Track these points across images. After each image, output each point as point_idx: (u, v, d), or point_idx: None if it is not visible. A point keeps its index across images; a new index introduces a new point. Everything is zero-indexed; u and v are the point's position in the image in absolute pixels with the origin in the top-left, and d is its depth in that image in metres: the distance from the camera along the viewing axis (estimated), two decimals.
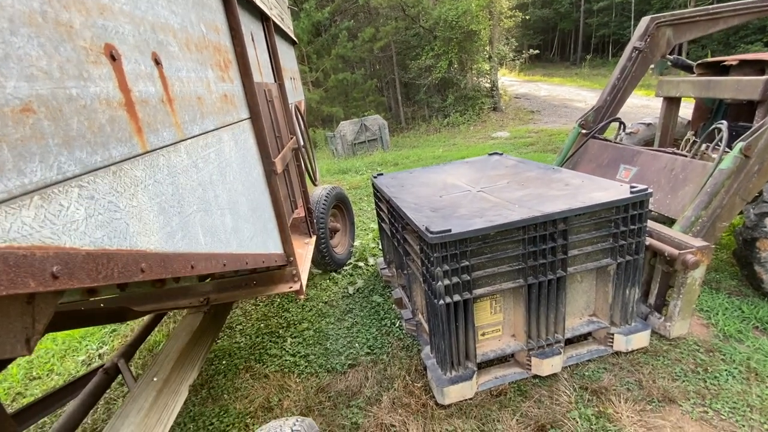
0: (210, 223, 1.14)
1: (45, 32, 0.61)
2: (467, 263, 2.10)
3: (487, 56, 14.22)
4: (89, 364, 3.08)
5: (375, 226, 5.09)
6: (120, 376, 2.09)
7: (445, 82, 14.19)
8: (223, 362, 2.85)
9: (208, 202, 1.15)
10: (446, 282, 2.08)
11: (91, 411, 2.15)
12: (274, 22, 2.65)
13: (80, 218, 0.64)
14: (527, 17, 15.15)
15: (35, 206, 0.56)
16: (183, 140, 1.05)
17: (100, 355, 3.16)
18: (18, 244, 0.52)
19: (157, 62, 0.97)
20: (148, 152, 0.87)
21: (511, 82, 21.61)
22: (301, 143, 3.00)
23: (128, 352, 2.22)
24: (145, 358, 3.04)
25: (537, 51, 18.51)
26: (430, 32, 13.64)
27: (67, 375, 2.98)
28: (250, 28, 2.11)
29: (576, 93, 17.44)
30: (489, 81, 14.76)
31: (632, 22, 24.29)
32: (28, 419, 1.80)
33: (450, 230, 2.01)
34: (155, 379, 1.56)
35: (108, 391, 2.20)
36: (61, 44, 0.65)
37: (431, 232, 2.01)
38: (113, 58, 0.79)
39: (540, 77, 24.41)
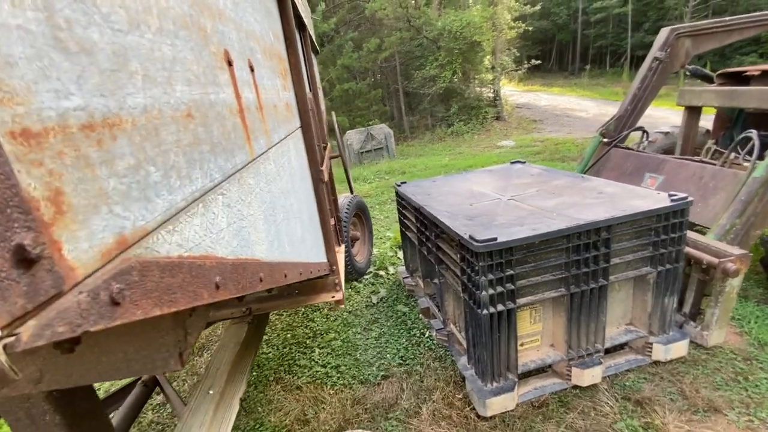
0: (289, 231, 1.12)
1: (193, 36, 0.60)
2: (512, 272, 2.08)
3: (490, 66, 14.36)
4: None
5: (390, 234, 5.07)
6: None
7: (449, 92, 14.29)
8: (254, 374, 2.79)
9: (288, 210, 1.13)
10: (491, 291, 2.06)
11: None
12: (309, 32, 2.66)
13: (224, 227, 0.62)
14: (529, 28, 15.34)
15: (200, 214, 0.54)
16: (270, 148, 1.03)
17: None
18: (194, 254, 0.50)
19: (252, 69, 0.96)
20: (254, 160, 0.85)
21: (511, 91, 21.80)
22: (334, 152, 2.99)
23: None
24: None
25: (539, 61, 18.72)
26: (434, 43, 13.77)
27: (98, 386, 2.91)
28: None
29: (576, 103, 17.61)
30: (492, 91, 14.89)
31: (629, 33, 24.68)
32: None
33: (496, 239, 2.00)
34: (211, 391, 1.53)
35: None
36: (203, 48, 0.63)
37: (477, 241, 1.99)
38: (230, 63, 0.77)
39: (539, 87, 24.66)
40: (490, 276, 2.04)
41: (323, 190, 1.89)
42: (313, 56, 3.61)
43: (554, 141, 10.46)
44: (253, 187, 0.81)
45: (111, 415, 1.90)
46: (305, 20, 2.39)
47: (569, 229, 2.07)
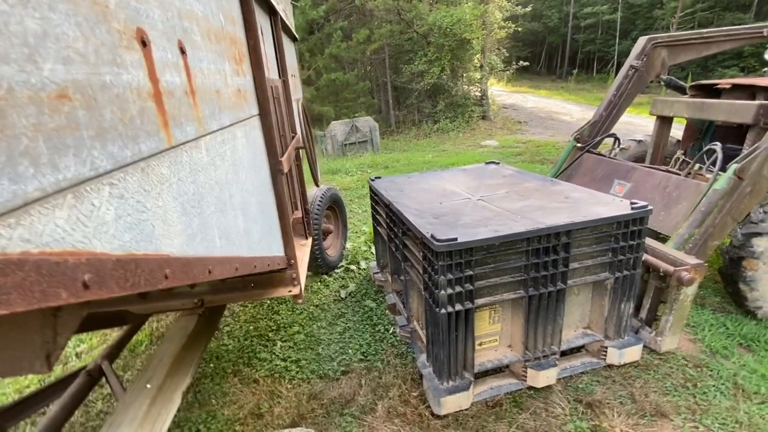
0: (225, 225, 1.08)
1: (82, 10, 0.55)
2: (471, 273, 2.08)
3: (478, 65, 14.38)
4: (65, 363, 2.92)
5: (367, 228, 5.04)
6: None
7: (437, 88, 14.27)
8: (211, 365, 2.74)
9: (224, 203, 1.09)
10: (449, 291, 2.06)
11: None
12: (281, 17, 2.58)
13: (110, 219, 0.58)
14: (519, 29, 15.39)
15: (68, 206, 0.50)
16: (203, 136, 0.98)
17: (77, 354, 3.00)
18: (51, 250, 0.46)
19: (183, 51, 0.90)
20: (172, 147, 0.80)
21: (499, 92, 21.95)
22: (300, 143, 2.94)
23: (112, 354, 2.10)
24: (125, 358, 2.90)
25: (527, 63, 18.85)
26: (424, 38, 13.70)
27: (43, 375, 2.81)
28: (260, 21, 2.04)
29: (562, 106, 17.84)
30: (479, 90, 14.94)
31: (617, 41, 25.08)
32: (5, 422, 1.67)
33: (456, 239, 1.99)
34: (149, 386, 1.47)
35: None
36: (97, 25, 0.58)
37: (438, 240, 1.98)
38: (144, 44, 0.72)
39: (527, 89, 24.89)
40: (449, 275, 2.04)
41: (282, 181, 1.84)
42: (289, 43, 3.52)
43: (536, 143, 10.57)
44: (166, 177, 0.76)
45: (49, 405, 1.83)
46: (275, 5, 2.32)
47: (529, 232, 2.08)
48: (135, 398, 1.41)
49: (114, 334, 3.15)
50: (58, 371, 2.81)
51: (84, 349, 3.06)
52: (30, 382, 2.72)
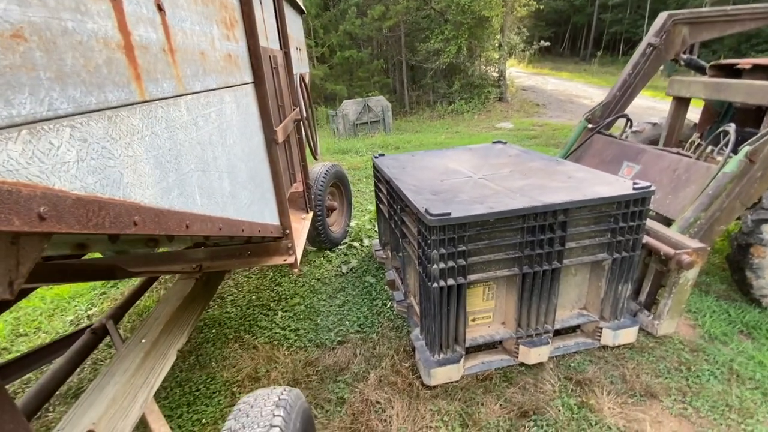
0: (207, 185, 1.11)
1: None
2: (464, 248, 2.08)
3: (497, 45, 13.97)
4: (77, 324, 3.07)
5: (372, 207, 5.06)
6: (108, 338, 2.08)
7: (453, 68, 13.96)
8: (213, 331, 2.85)
9: (207, 163, 1.11)
10: (442, 266, 2.07)
11: (78, 370, 2.15)
12: None
13: (71, 160, 0.61)
14: (541, 7, 14.81)
15: (23, 141, 0.52)
16: (183, 95, 1.00)
17: (88, 316, 3.15)
18: (2, 179, 0.49)
19: (160, 8, 0.92)
20: (146, 101, 0.82)
21: (518, 73, 21.33)
22: (304, 115, 2.94)
23: (117, 314, 2.21)
24: (134, 321, 3.04)
25: (548, 43, 18.19)
26: (441, 15, 13.33)
27: (54, 333, 2.97)
28: None
29: (583, 89, 17.27)
30: (497, 70, 14.55)
31: (646, 21, 23.92)
32: (12, 374, 1.79)
33: (449, 213, 1.99)
34: (143, 341, 1.55)
35: (96, 351, 2.20)
36: None
37: (430, 215, 1.99)
38: None
39: (548, 70, 24.11)
40: (442, 250, 2.05)
41: (276, 151, 1.86)
42: (294, 15, 3.48)
43: (552, 126, 10.32)
44: (138, 128, 0.79)
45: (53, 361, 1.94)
46: None
47: (524, 210, 2.06)
48: (129, 351, 1.49)
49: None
50: (70, 330, 2.96)
51: (95, 312, 3.21)
52: (43, 341, 2.88)
